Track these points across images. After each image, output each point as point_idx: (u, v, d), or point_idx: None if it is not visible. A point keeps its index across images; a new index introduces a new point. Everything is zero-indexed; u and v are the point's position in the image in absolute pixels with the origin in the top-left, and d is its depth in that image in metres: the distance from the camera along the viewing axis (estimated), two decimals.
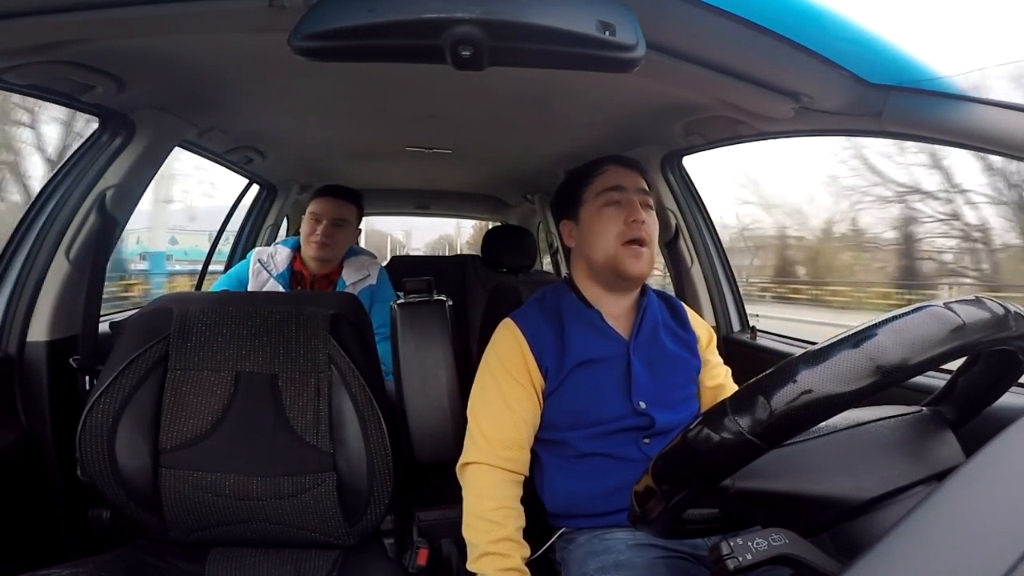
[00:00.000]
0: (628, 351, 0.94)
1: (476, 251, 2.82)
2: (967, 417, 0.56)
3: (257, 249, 1.77)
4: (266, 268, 1.69)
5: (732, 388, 1.02)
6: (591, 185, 0.98)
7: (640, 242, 0.93)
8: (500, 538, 0.84)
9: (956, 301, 0.46)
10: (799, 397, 0.43)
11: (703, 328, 1.06)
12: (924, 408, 0.57)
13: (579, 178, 1.00)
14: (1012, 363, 0.51)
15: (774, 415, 0.43)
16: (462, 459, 0.93)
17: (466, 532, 0.88)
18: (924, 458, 0.51)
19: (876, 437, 0.52)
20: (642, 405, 0.91)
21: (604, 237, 0.94)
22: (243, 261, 1.76)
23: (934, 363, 0.43)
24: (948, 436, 0.54)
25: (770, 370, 0.46)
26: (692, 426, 0.48)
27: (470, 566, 0.85)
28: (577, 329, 0.95)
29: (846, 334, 0.45)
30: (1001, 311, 0.46)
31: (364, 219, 1.85)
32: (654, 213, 0.98)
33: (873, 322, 0.45)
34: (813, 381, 0.43)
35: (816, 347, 0.45)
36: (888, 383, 0.42)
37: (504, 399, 0.92)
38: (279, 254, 1.72)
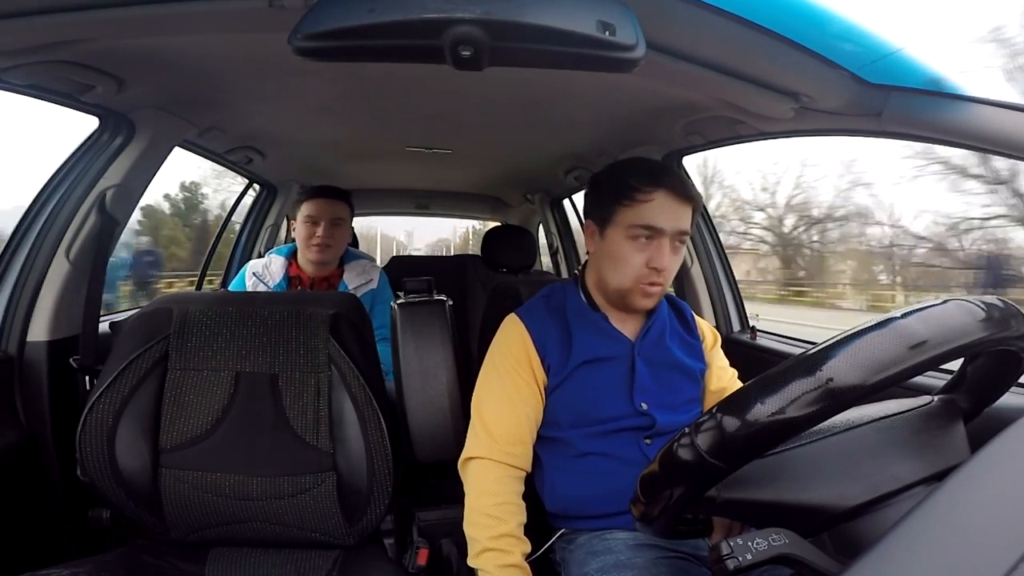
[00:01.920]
0: (633, 352, 0.94)
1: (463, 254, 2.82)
2: (981, 405, 0.56)
3: (250, 263, 1.76)
4: (262, 280, 1.68)
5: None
6: (631, 208, 0.88)
7: (656, 284, 0.90)
8: (501, 534, 0.84)
9: (917, 309, 0.45)
10: (754, 422, 0.43)
11: (708, 330, 1.06)
12: (935, 398, 0.56)
13: (622, 188, 0.89)
14: (1013, 360, 0.51)
15: (731, 439, 0.44)
16: (464, 454, 0.93)
17: (467, 527, 0.87)
18: (924, 457, 0.51)
19: (873, 439, 0.52)
20: (644, 406, 0.91)
21: (622, 271, 0.90)
22: (238, 277, 1.75)
23: (895, 380, 0.43)
24: (956, 428, 0.53)
25: (731, 393, 0.47)
26: (670, 443, 0.49)
27: (471, 562, 0.85)
28: (583, 330, 0.95)
29: (804, 355, 0.45)
30: (976, 315, 0.45)
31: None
32: (683, 247, 0.93)
33: (833, 341, 0.45)
34: (770, 406, 0.43)
35: (773, 370, 0.45)
36: (845, 405, 0.42)
37: (507, 394, 0.92)
38: (273, 264, 1.71)
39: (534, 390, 0.93)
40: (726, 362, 1.06)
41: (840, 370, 0.42)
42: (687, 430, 0.47)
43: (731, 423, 0.44)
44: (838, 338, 0.45)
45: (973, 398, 0.56)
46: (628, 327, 0.97)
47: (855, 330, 0.45)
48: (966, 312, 0.45)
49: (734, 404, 0.45)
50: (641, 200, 0.87)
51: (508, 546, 0.83)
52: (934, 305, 0.46)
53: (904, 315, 0.45)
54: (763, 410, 0.43)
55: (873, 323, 0.45)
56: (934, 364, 0.44)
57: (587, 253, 1.00)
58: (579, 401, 0.92)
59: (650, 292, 0.91)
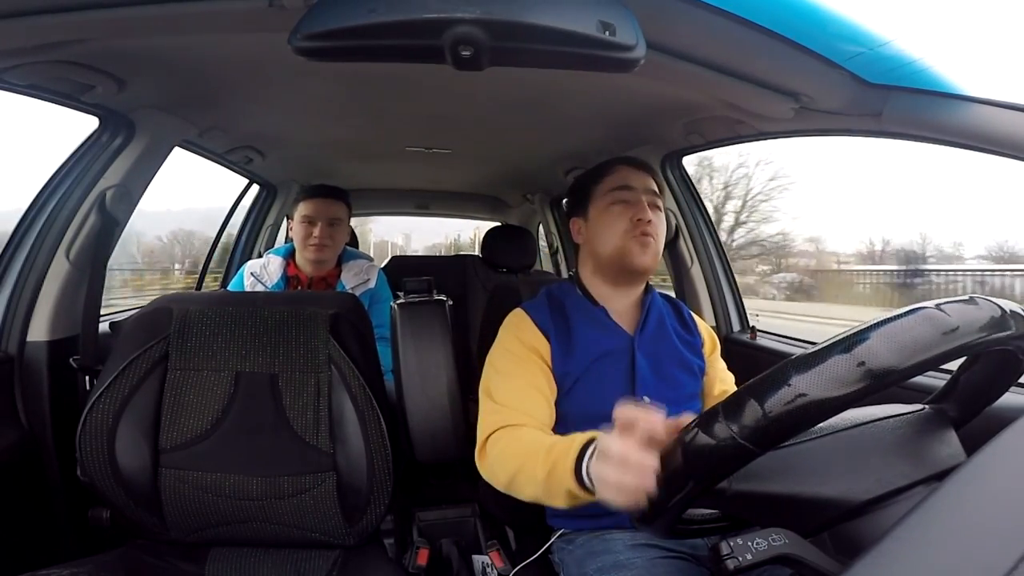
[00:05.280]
0: (632, 346, 0.95)
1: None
2: (970, 414, 0.56)
3: (249, 263, 1.77)
4: (260, 280, 1.69)
5: None
6: (601, 183, 1.00)
7: (646, 235, 0.95)
8: (548, 454, 0.71)
9: (949, 302, 0.46)
10: (790, 402, 0.43)
11: (707, 333, 1.07)
12: (926, 406, 0.57)
13: (590, 177, 1.03)
14: (1012, 362, 0.51)
15: (765, 420, 0.43)
16: (481, 435, 0.85)
17: (523, 490, 0.76)
18: (924, 458, 0.51)
19: (874, 438, 0.52)
20: (646, 400, 0.91)
21: (611, 232, 0.96)
22: (236, 278, 1.76)
23: (927, 366, 0.43)
24: (949, 434, 0.54)
25: (762, 375, 0.46)
26: (688, 429, 0.48)
27: (556, 503, 0.71)
28: (584, 326, 0.96)
29: (838, 338, 0.45)
30: (997, 311, 0.46)
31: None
32: (662, 214, 1.00)
33: (866, 325, 0.45)
34: (804, 386, 0.43)
35: (808, 351, 0.45)
36: (879, 387, 0.42)
37: (525, 375, 0.90)
38: (271, 264, 1.71)
39: (548, 375, 0.92)
40: (725, 367, 1.07)
41: (877, 351, 0.42)
42: (717, 410, 0.46)
43: (768, 403, 0.43)
44: (871, 323, 0.45)
45: (963, 407, 0.56)
46: (626, 320, 0.98)
47: (887, 317, 0.45)
48: (991, 308, 0.46)
49: (770, 385, 0.44)
50: (608, 173, 1.00)
51: (564, 446, 0.69)
52: (961, 300, 0.46)
53: (936, 306, 0.45)
54: (801, 390, 0.43)
55: (903, 311, 0.45)
56: (964, 352, 0.44)
57: (575, 249, 1.06)
58: (587, 398, 0.92)
59: (645, 243, 0.95)
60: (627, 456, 0.51)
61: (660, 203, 1.00)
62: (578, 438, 0.68)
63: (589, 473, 0.63)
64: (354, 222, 2.45)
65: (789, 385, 0.43)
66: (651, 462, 0.50)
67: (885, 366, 0.42)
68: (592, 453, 0.64)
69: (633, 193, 0.97)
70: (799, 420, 0.43)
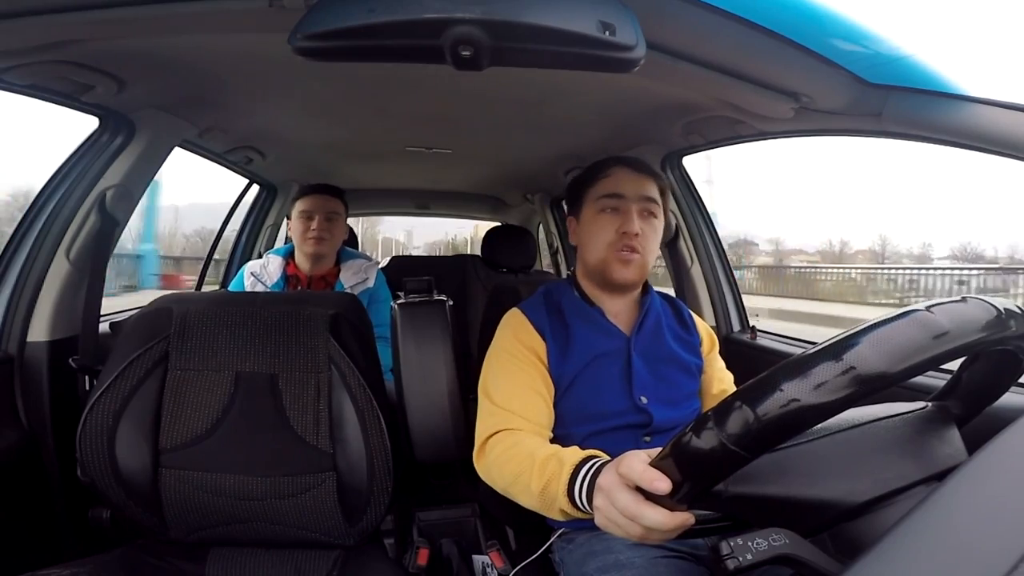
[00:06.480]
0: (629, 347, 0.95)
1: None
2: (974, 411, 0.56)
3: (249, 264, 1.78)
4: (260, 280, 1.71)
5: None
6: (594, 187, 0.97)
7: (631, 250, 0.92)
8: (544, 461, 0.71)
9: (940, 303, 0.46)
10: (779, 408, 0.42)
11: (706, 332, 1.07)
12: (929, 403, 0.57)
13: (585, 176, 1.00)
14: (1012, 361, 0.51)
15: (754, 426, 0.43)
16: (480, 436, 0.86)
17: (516, 493, 0.76)
18: (924, 458, 0.51)
19: (873, 438, 0.52)
20: (643, 400, 0.92)
21: (596, 243, 0.95)
22: (237, 278, 1.77)
23: (918, 370, 0.43)
24: (951, 433, 0.54)
25: (753, 380, 0.46)
26: (682, 433, 0.48)
27: (550, 514, 0.71)
28: (580, 327, 0.96)
29: (829, 343, 0.45)
30: (991, 312, 0.46)
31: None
32: (658, 220, 0.96)
33: (856, 330, 0.45)
34: (793, 392, 0.42)
35: (797, 357, 0.45)
36: (869, 392, 0.42)
37: (523, 376, 0.90)
38: (271, 264, 1.73)
39: (545, 376, 0.92)
40: (724, 365, 1.07)
41: (866, 356, 0.42)
42: (708, 416, 0.46)
43: (758, 409, 0.43)
44: (861, 327, 0.45)
45: (966, 404, 0.56)
46: (623, 321, 0.98)
47: (878, 320, 0.45)
48: (984, 309, 0.46)
49: (760, 390, 0.44)
50: (602, 177, 0.96)
51: (556, 466, 0.69)
52: (953, 301, 0.46)
53: (926, 308, 0.45)
54: (790, 395, 0.42)
55: (895, 315, 0.45)
56: (955, 355, 0.44)
57: (566, 249, 1.04)
58: (582, 399, 0.92)
59: (627, 259, 0.93)
60: (629, 511, 0.52)
61: (657, 210, 0.95)
62: (569, 459, 0.68)
63: (583, 497, 0.63)
64: (363, 223, 2.46)
65: (781, 391, 0.43)
66: (652, 520, 0.51)
67: (874, 371, 0.42)
68: (586, 475, 0.64)
69: (623, 202, 0.93)
70: (789, 426, 0.43)
